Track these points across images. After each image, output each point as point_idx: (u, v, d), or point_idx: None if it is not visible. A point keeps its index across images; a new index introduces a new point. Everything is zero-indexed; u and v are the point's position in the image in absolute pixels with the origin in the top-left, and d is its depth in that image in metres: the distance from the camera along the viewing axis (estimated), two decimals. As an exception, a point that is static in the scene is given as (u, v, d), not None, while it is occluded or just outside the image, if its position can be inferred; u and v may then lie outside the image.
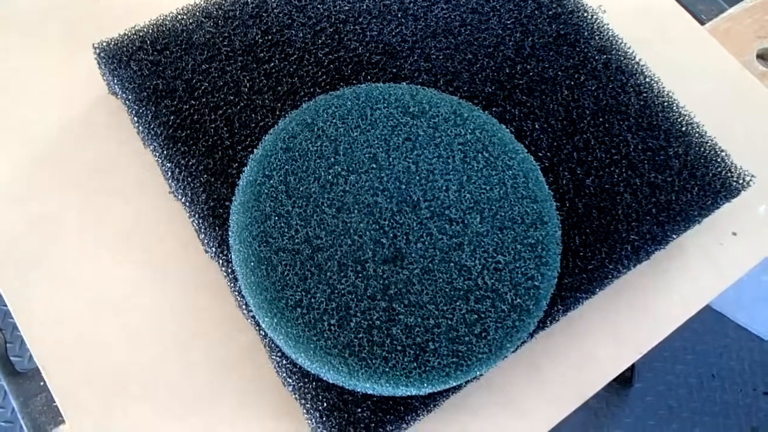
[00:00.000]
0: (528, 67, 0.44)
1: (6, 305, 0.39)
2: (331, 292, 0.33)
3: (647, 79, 0.45)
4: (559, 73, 0.44)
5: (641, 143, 0.42)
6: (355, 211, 0.35)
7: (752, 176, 0.43)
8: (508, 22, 0.45)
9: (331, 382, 0.34)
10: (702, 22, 0.56)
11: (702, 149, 0.43)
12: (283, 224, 0.34)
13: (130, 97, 0.40)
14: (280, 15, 0.43)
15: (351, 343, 0.32)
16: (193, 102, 0.40)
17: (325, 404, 0.34)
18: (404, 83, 0.41)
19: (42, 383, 0.40)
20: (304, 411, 0.35)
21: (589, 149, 0.42)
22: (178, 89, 0.41)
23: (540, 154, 0.41)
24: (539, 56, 0.45)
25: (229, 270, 0.36)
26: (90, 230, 0.41)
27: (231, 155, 0.39)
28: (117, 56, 0.41)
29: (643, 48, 0.46)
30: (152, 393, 0.37)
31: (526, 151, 0.39)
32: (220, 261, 0.37)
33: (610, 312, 0.42)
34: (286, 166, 0.36)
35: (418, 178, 0.36)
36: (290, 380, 0.35)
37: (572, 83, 0.44)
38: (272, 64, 0.42)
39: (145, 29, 0.42)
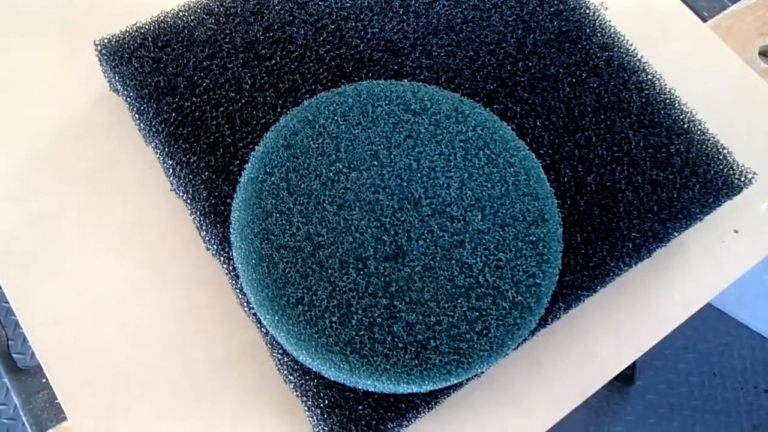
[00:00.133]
0: (529, 64, 0.44)
1: (8, 302, 0.39)
2: (333, 290, 0.33)
3: (649, 77, 0.45)
4: (561, 70, 0.44)
5: (643, 140, 0.42)
6: (357, 208, 0.35)
7: (754, 174, 0.42)
8: (510, 19, 0.45)
9: (332, 379, 0.34)
10: (704, 19, 0.56)
11: (704, 147, 0.43)
12: (284, 221, 0.34)
13: (131, 94, 0.40)
14: (282, 12, 0.43)
15: (352, 341, 0.32)
16: (194, 99, 0.40)
17: (326, 401, 0.35)
18: (406, 80, 0.40)
19: (44, 380, 0.40)
20: (306, 408, 0.35)
21: (590, 146, 0.42)
22: (180, 86, 0.41)
23: (541, 152, 0.41)
24: (541, 53, 0.45)
25: (231, 267, 0.36)
26: (91, 228, 0.41)
27: (232, 152, 0.39)
28: (118, 53, 0.41)
29: (645, 45, 0.46)
30: (154, 389, 0.37)
31: (528, 148, 0.39)
32: (222, 258, 0.37)
33: (612, 310, 0.42)
34: (288, 163, 0.36)
35: (419, 175, 0.36)
36: (291, 377, 0.35)
37: (574, 80, 0.44)
38: (273, 61, 0.42)
39: (147, 26, 0.42)
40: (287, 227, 0.34)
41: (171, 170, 0.39)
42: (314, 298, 0.33)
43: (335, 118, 0.37)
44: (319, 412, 0.34)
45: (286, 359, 0.35)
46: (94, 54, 0.42)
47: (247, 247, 0.34)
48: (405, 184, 0.36)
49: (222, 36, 0.42)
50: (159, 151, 0.40)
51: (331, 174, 0.36)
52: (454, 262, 0.35)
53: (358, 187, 0.36)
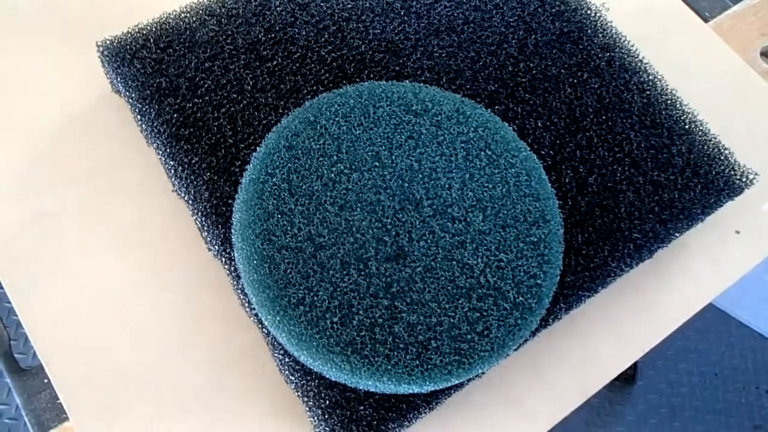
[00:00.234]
0: (531, 65, 0.44)
1: (10, 302, 0.39)
2: (334, 290, 0.33)
3: (650, 77, 0.45)
4: (562, 70, 0.44)
5: (644, 141, 0.42)
6: (358, 209, 0.35)
7: (756, 174, 0.42)
8: (511, 19, 0.45)
9: (333, 379, 0.34)
10: (706, 20, 0.56)
11: (705, 147, 0.43)
12: (285, 222, 0.35)
13: (133, 95, 0.40)
14: (283, 13, 0.43)
15: (353, 341, 0.32)
16: (196, 100, 0.40)
17: (327, 402, 0.35)
18: (407, 81, 0.40)
19: (46, 380, 0.40)
20: (307, 409, 0.35)
21: (591, 147, 0.42)
22: (182, 87, 0.41)
23: (542, 152, 0.41)
24: (542, 54, 0.45)
25: (232, 268, 0.36)
26: (93, 228, 0.41)
27: (234, 153, 0.39)
28: (120, 54, 0.41)
29: (646, 45, 0.46)
30: (155, 390, 0.37)
31: (529, 149, 0.39)
32: (223, 259, 0.37)
33: (613, 310, 0.42)
34: (289, 164, 0.36)
35: (420, 176, 0.36)
36: (292, 378, 0.35)
37: (575, 81, 0.44)
38: (275, 62, 0.42)
39: (149, 27, 0.42)
40: (289, 228, 0.34)
41: (172, 171, 0.39)
42: (315, 298, 0.33)
43: (336, 119, 0.37)
44: (320, 412, 0.35)
45: (287, 360, 0.35)
46: (96, 55, 0.42)
47: (249, 247, 0.34)
48: (406, 184, 0.36)
49: (224, 37, 0.42)
50: (161, 152, 0.40)
51: (332, 175, 0.36)
52: (455, 262, 0.35)
53: (360, 187, 0.36)
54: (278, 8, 0.44)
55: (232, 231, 0.35)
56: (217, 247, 0.37)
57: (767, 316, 1.05)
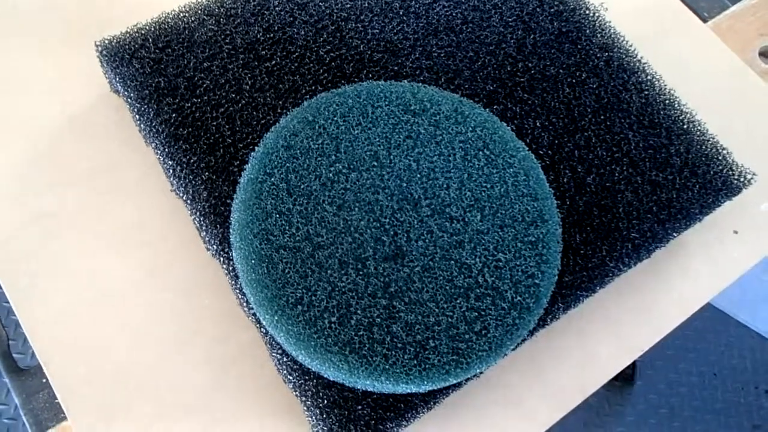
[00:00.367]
0: (529, 64, 0.44)
1: (9, 302, 0.39)
2: (332, 290, 0.33)
3: (649, 77, 0.45)
4: (561, 70, 0.44)
5: (642, 141, 0.42)
6: (356, 208, 0.35)
7: (754, 174, 0.42)
8: (510, 19, 0.45)
9: (331, 379, 0.34)
10: (704, 20, 0.56)
11: (703, 147, 0.43)
12: (284, 222, 0.35)
13: (132, 95, 0.40)
14: (282, 13, 0.43)
15: (351, 341, 0.32)
16: (194, 100, 0.40)
17: (325, 401, 0.35)
18: (405, 81, 0.41)
19: (44, 380, 0.40)
20: (305, 408, 0.36)
21: (590, 147, 0.42)
22: (180, 87, 0.41)
23: (541, 152, 0.41)
24: (541, 54, 0.45)
25: (230, 268, 0.36)
26: (92, 228, 0.41)
27: (232, 153, 0.39)
28: (119, 54, 0.41)
29: (644, 45, 0.46)
30: (153, 389, 0.37)
31: (527, 149, 0.39)
32: (221, 259, 0.37)
33: (611, 310, 0.42)
34: (287, 164, 0.36)
35: (418, 175, 0.36)
36: (291, 377, 0.35)
37: (573, 81, 0.44)
38: (274, 62, 0.42)
39: (147, 27, 0.42)
40: (287, 228, 0.34)
41: (171, 171, 0.39)
42: (313, 298, 0.33)
43: (335, 118, 0.37)
44: (318, 411, 0.35)
45: (285, 359, 0.35)
46: (95, 55, 0.42)
47: (247, 247, 0.34)
48: (404, 184, 0.36)
49: (222, 37, 0.42)
50: (159, 152, 0.40)
51: (330, 174, 0.36)
52: (453, 262, 0.35)
53: (358, 187, 0.36)
54: (277, 8, 0.44)
55: (231, 230, 0.35)
56: (215, 246, 0.37)
57: (766, 316, 1.05)
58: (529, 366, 0.40)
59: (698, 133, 0.43)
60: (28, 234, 0.41)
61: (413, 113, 0.38)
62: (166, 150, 0.39)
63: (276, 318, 0.33)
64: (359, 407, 0.35)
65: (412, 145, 0.37)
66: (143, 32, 0.42)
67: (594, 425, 1.00)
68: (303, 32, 0.43)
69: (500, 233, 0.35)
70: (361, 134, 0.37)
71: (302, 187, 0.35)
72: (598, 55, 0.45)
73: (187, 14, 0.43)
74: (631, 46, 0.46)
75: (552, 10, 0.46)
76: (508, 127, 0.39)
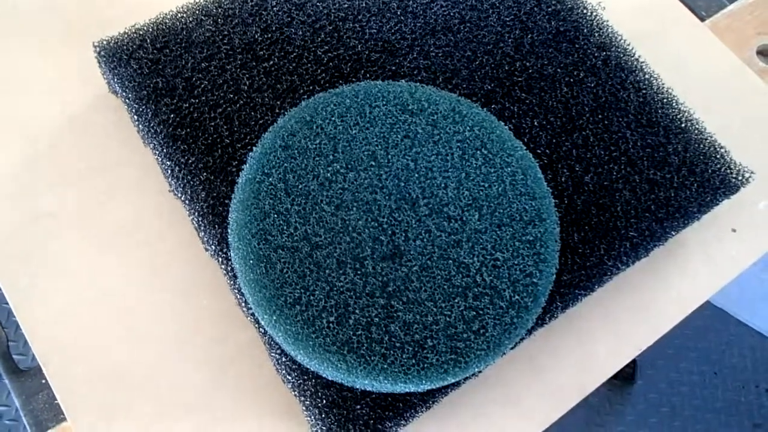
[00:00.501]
0: (527, 64, 0.44)
1: (8, 303, 0.39)
2: (330, 290, 0.33)
3: (647, 76, 0.45)
4: (558, 70, 0.44)
5: (640, 140, 0.42)
6: (354, 208, 0.35)
7: (752, 173, 0.42)
8: (507, 19, 0.45)
9: (330, 379, 0.34)
10: (702, 19, 0.56)
11: (701, 146, 0.43)
12: (282, 222, 0.35)
13: (130, 95, 0.40)
14: (280, 13, 0.44)
15: (350, 340, 0.32)
16: (192, 100, 0.40)
17: (324, 401, 0.35)
18: (403, 81, 0.41)
19: (44, 381, 0.40)
20: (304, 408, 0.36)
21: (588, 146, 0.42)
22: (178, 87, 0.41)
23: (539, 151, 0.41)
24: (538, 53, 0.45)
25: (229, 268, 0.37)
26: (90, 228, 0.41)
27: (230, 153, 0.39)
28: (117, 55, 0.41)
29: (642, 44, 0.46)
30: (152, 390, 0.37)
31: (525, 148, 0.39)
32: (220, 259, 0.37)
33: (609, 309, 0.42)
34: (285, 164, 0.36)
35: (416, 175, 0.36)
36: (289, 377, 0.35)
37: (571, 80, 0.44)
38: (272, 62, 0.42)
39: (145, 28, 0.42)
40: (285, 228, 0.34)
41: (169, 171, 0.39)
42: (312, 298, 0.33)
43: (333, 118, 0.37)
44: (317, 411, 0.35)
45: (284, 359, 0.35)
46: (93, 55, 0.42)
47: (245, 247, 0.34)
48: (402, 184, 0.36)
49: (220, 37, 0.42)
50: (157, 152, 0.40)
51: (328, 174, 0.36)
52: (451, 261, 0.35)
53: (356, 187, 0.36)
54: (275, 8, 0.44)
55: (229, 231, 0.35)
56: (213, 246, 0.37)
57: (765, 315, 1.05)
58: (527, 365, 0.40)
59: (696, 131, 0.43)
60: (27, 234, 0.41)
61: (411, 113, 0.38)
62: (165, 150, 0.39)
63: (274, 318, 0.33)
64: (358, 407, 0.35)
65: (410, 144, 0.37)
66: (141, 33, 0.42)
67: (595, 424, 1.00)
68: (301, 32, 0.43)
69: (498, 232, 0.36)
70: (358, 134, 0.37)
71: (300, 187, 0.36)
72: (596, 54, 0.45)
73: (184, 15, 0.43)
74: (628, 45, 0.46)
75: (549, 9, 0.46)
76: (506, 127, 0.39)
